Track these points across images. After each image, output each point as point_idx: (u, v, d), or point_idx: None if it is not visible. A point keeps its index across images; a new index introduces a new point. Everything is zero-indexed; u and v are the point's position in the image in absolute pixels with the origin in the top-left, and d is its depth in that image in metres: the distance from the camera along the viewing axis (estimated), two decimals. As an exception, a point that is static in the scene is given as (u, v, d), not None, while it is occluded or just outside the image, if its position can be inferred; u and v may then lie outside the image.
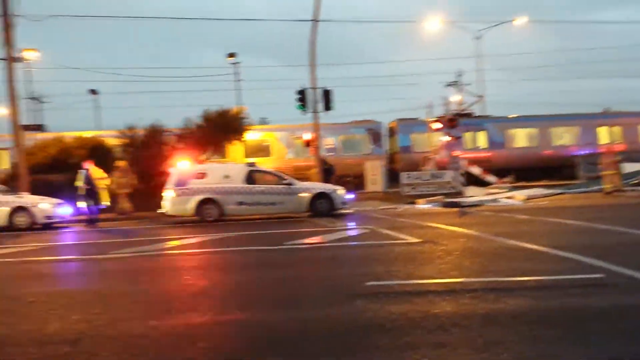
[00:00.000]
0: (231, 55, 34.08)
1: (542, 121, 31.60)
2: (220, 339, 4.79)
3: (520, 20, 37.53)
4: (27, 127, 29.00)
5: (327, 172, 22.68)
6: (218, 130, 25.86)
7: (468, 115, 32.21)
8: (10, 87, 20.84)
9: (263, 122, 40.12)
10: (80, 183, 16.89)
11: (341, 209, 17.38)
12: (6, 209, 16.68)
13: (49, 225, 17.03)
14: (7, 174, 25.47)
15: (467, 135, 30.21)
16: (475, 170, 25.66)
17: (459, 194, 21.28)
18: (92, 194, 16.94)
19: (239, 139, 27.10)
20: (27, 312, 6.05)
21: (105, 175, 17.30)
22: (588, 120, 31.76)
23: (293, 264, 8.84)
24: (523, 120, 32.32)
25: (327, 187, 17.96)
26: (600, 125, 31.63)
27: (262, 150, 30.55)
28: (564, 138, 31.07)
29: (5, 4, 20.43)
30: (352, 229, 13.67)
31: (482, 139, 31.28)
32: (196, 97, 63.49)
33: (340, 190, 17.66)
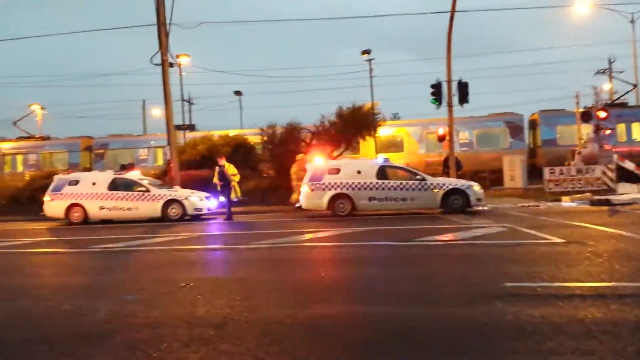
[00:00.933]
0: (365, 52, 34.32)
1: None
2: (352, 331, 4.87)
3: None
4: (180, 127, 31.66)
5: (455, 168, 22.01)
6: (351, 126, 26.25)
7: (621, 105, 29.38)
8: (165, 90, 22.81)
9: (395, 117, 39.93)
10: (215, 179, 17.90)
11: (476, 206, 16.77)
12: (160, 202, 18.36)
13: (198, 217, 18.45)
14: (161, 169, 28.07)
15: (620, 127, 27.60)
16: (629, 165, 23.29)
17: (610, 191, 19.52)
18: (225, 189, 17.70)
19: (371, 135, 27.29)
20: (177, 296, 6.61)
21: (237, 171, 18.14)
22: None
23: (424, 261, 8.71)
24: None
25: (461, 182, 17.43)
26: None
27: (394, 145, 30.46)
28: None
29: (160, 14, 22.40)
30: (489, 226, 13.11)
31: (637, 131, 28.38)
32: (332, 95, 64.87)
33: (476, 186, 17.04)
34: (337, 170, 17.70)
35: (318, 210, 17.69)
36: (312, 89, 74.75)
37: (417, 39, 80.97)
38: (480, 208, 17.02)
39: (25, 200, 20.04)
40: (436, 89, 21.49)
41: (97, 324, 5.43)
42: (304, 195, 17.69)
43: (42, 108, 46.88)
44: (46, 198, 19.43)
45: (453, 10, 20.96)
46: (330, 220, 15.95)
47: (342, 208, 17.15)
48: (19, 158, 34.25)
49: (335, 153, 26.59)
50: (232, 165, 18.13)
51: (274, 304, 5.93)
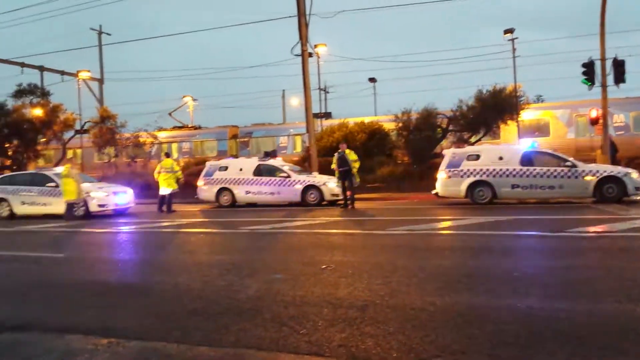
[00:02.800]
0: (508, 31, 32.57)
1: None
2: (499, 323, 4.72)
3: None
4: (317, 115, 32.60)
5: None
6: (491, 110, 25.23)
7: None
8: (304, 80, 23.60)
9: (538, 100, 37.56)
10: (334, 165, 17.73)
11: (634, 195, 15.28)
12: (300, 187, 19.09)
13: (334, 202, 18.93)
14: (300, 156, 29.15)
15: None
16: None
17: None
18: (346, 175, 17.43)
19: (513, 119, 26.00)
20: (320, 277, 6.86)
21: (357, 157, 17.84)
22: None
23: (576, 253, 8.14)
24: None
25: (617, 169, 15.97)
26: None
27: (538, 129, 28.69)
28: None
29: (300, 5, 23.14)
30: (650, 218, 11.90)
31: None
32: (471, 78, 62.51)
33: (634, 174, 15.52)
34: (477, 156, 17.10)
35: (456, 198, 17.26)
36: (449, 73, 72.59)
37: (566, 15, 74.99)
38: (639, 198, 15.49)
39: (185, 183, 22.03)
40: (588, 69, 19.88)
41: (248, 300, 5.83)
42: (441, 182, 17.36)
43: (194, 100, 50.83)
44: (199, 182, 21.13)
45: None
46: (468, 208, 15.50)
47: (481, 196, 16.57)
48: (174, 146, 37.48)
49: (474, 139, 25.73)
50: (352, 152, 18.00)
51: (415, 290, 5.93)
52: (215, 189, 20.53)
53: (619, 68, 19.56)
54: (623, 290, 5.61)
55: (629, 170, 15.89)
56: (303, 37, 23.28)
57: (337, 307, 5.34)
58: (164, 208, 18.65)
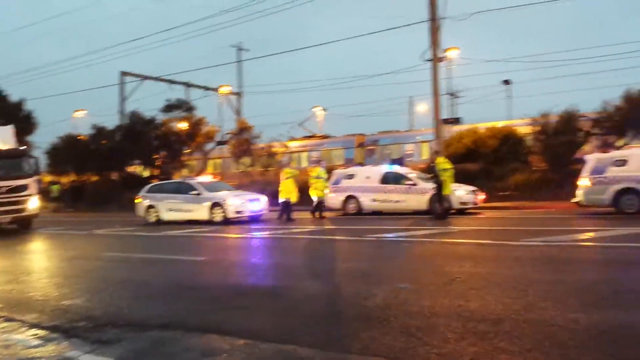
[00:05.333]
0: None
1: None
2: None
3: None
4: (446, 121, 31.88)
5: None
6: (640, 111, 22.96)
7: None
8: (434, 85, 23.17)
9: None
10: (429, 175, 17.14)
11: None
12: (427, 196, 18.69)
13: (463, 211, 18.32)
14: (426, 164, 28.64)
15: None
16: None
17: None
18: (436, 185, 16.78)
19: (667, 120, 23.44)
20: (449, 288, 6.67)
21: (449, 166, 16.93)
22: None
23: None
24: None
25: None
26: None
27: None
28: None
29: (433, 9, 22.73)
30: None
31: None
32: (618, 76, 57.25)
33: None
34: (624, 162, 15.64)
35: (599, 207, 15.92)
36: (592, 72, 67.10)
37: None
38: None
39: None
40: None
41: (376, 308, 5.83)
42: (583, 190, 16.10)
43: (324, 110, 52.16)
44: (325, 191, 21.58)
45: None
46: (614, 219, 14.22)
47: (630, 205, 15.10)
48: (304, 155, 38.70)
49: (620, 142, 23.57)
50: (446, 161, 17.16)
51: (553, 306, 5.55)
52: (342, 197, 20.83)
53: None
54: None
55: None
56: (434, 42, 22.87)
57: (467, 320, 5.16)
58: (285, 216, 18.97)
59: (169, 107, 37.10)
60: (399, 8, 30.00)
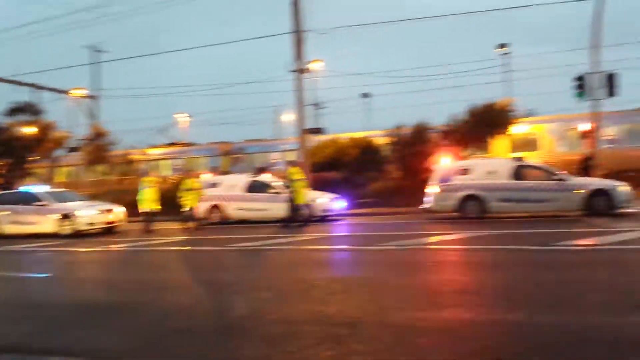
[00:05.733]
0: (502, 46, 33.00)
1: None
2: (489, 339, 4.72)
3: None
4: (310, 131, 32.66)
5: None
6: (483, 125, 25.34)
7: None
8: (298, 96, 23.68)
9: (530, 113, 37.86)
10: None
11: (623, 208, 15.36)
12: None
13: (325, 218, 18.91)
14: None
15: None
16: None
17: None
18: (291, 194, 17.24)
19: (504, 133, 26.15)
20: (310, 295, 6.83)
21: (300, 177, 17.51)
22: None
23: (565, 267, 8.17)
24: None
25: (605, 183, 16.07)
26: None
27: (528, 143, 28.79)
28: None
29: (297, 21, 23.22)
30: (637, 230, 11.97)
31: None
32: (465, 92, 62.66)
33: (622, 187, 15.61)
34: (468, 171, 17.17)
35: (447, 212, 17.30)
36: (445, 87, 73.00)
37: (561, 29, 75.57)
38: (628, 210, 15.57)
39: (171, 201, 21.90)
40: (581, 81, 20.06)
41: (238, 318, 5.80)
42: (432, 197, 17.40)
43: (188, 116, 50.81)
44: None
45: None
46: (460, 223, 15.53)
47: (472, 210, 16.59)
48: (166, 163, 37.37)
49: (465, 153, 25.84)
50: (299, 171, 17.79)
51: (405, 307, 5.92)
52: (207, 205, 20.43)
53: (612, 81, 19.78)
54: (614, 304, 5.62)
55: (617, 183, 15.99)
56: (298, 54, 23.40)
57: (326, 325, 5.32)
58: (146, 227, 18.22)
59: (13, 111, 33.82)
60: (275, 17, 30.09)
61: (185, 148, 38.81)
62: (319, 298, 6.54)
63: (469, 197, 16.67)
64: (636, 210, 15.76)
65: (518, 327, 5.02)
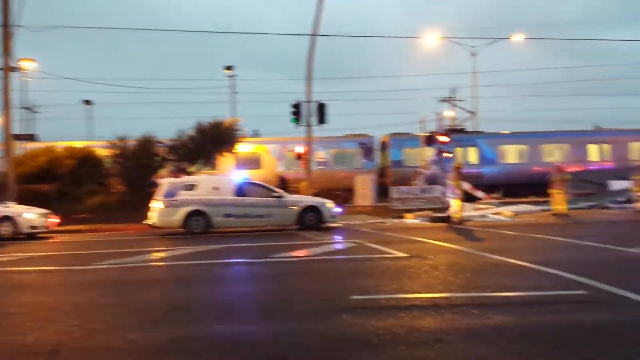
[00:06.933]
0: (228, 68, 34.23)
1: (533, 138, 31.79)
2: (201, 353, 4.70)
3: (517, 37, 37.51)
4: (19, 137, 28.82)
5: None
6: (210, 141, 25.84)
7: (460, 130, 32.37)
8: (5, 96, 20.77)
9: (256, 134, 40.18)
10: None
11: (330, 222, 17.33)
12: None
13: (33, 235, 16.84)
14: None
15: (458, 151, 30.32)
16: (465, 185, 25.64)
17: (448, 209, 21.30)
18: None
19: (230, 151, 27.08)
20: (5, 323, 5.93)
21: None
22: (578, 138, 32.01)
23: (278, 277, 8.75)
24: (514, 137, 32.52)
25: (316, 200, 17.92)
26: (591, 143, 31.87)
27: (252, 162, 30.48)
28: (554, 155, 31.24)
29: (6, 15, 20.41)
30: (340, 242, 13.61)
31: (473, 155, 31.41)
32: (193, 109, 63.15)
33: (329, 204, 17.61)
34: (193, 186, 17.26)
35: (172, 228, 17.06)
36: (173, 102, 72.47)
37: (286, 59, 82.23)
38: (333, 224, 17.61)
39: None
40: (296, 109, 22.02)
41: None
42: (157, 212, 16.98)
43: None
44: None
45: (314, 34, 21.75)
46: (184, 239, 15.45)
47: (197, 225, 16.70)
48: None
49: (193, 169, 25.97)
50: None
51: (114, 328, 5.54)
52: None
53: (322, 110, 22.21)
54: (316, 310, 6.18)
55: (326, 200, 17.98)
56: (6, 50, 20.58)
57: (23, 355, 4.67)
58: None
59: None
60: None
61: None
62: (16, 327, 5.72)
63: (194, 213, 16.75)
64: (340, 225, 17.95)
65: (229, 339, 5.13)
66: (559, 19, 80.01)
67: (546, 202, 20.85)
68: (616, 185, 24.23)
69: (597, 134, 32.91)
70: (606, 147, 31.72)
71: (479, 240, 12.60)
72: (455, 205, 17.44)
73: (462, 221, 17.12)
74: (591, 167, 30.27)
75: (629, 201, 20.70)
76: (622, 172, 25.67)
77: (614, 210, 20.72)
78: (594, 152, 31.68)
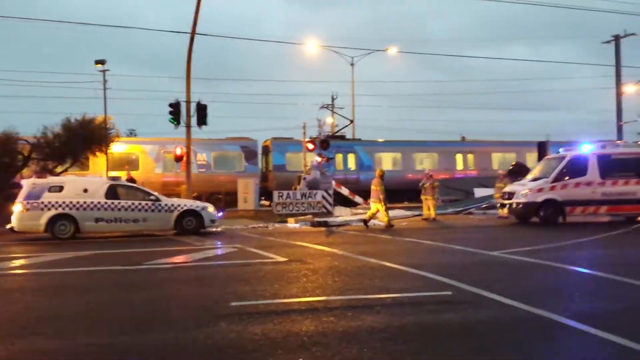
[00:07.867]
0: (99, 62, 32.20)
1: (406, 147, 33.56)
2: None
3: (392, 50, 39.65)
4: None
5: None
6: (79, 140, 24.16)
7: (340, 137, 33.28)
8: None
9: (132, 134, 38.33)
10: None
11: (210, 227, 16.96)
12: None
13: None
14: None
15: (338, 157, 31.15)
16: (344, 191, 26.43)
17: (328, 213, 21.79)
18: None
19: (102, 151, 25.58)
20: None
21: None
22: (446, 148, 34.34)
23: (153, 285, 8.40)
24: (389, 145, 34.09)
25: (196, 204, 17.44)
26: (458, 153, 34.30)
27: (128, 163, 29.07)
28: (425, 163, 33.18)
29: None
30: (220, 247, 13.37)
31: (351, 161, 32.44)
32: (62, 105, 58.67)
33: (210, 208, 17.24)
34: (60, 188, 16.01)
35: (35, 233, 15.73)
36: (39, 96, 66.98)
37: (164, 57, 79.35)
38: (214, 229, 17.27)
39: None
40: (175, 108, 21.30)
41: None
42: (17, 216, 15.56)
43: None
44: None
45: (193, 32, 21.20)
46: (49, 244, 14.31)
47: (63, 230, 15.53)
48: None
49: (60, 169, 24.21)
50: None
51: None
52: None
53: (202, 111, 21.65)
54: (193, 318, 5.99)
55: (207, 204, 17.56)
56: None
57: None
58: None
59: None
60: None
61: None
62: None
63: (59, 217, 15.57)
64: (221, 230, 17.64)
65: (98, 351, 4.83)
66: (430, 36, 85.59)
67: (418, 208, 22.08)
68: (480, 192, 26.26)
69: (463, 145, 35.54)
70: (470, 156, 34.32)
71: (357, 244, 13.01)
72: (379, 209, 17.77)
73: (390, 225, 17.52)
74: (458, 176, 32.62)
75: (492, 207, 22.50)
76: (485, 180, 27.96)
77: (478, 216, 22.41)
78: (460, 161, 34.12)
